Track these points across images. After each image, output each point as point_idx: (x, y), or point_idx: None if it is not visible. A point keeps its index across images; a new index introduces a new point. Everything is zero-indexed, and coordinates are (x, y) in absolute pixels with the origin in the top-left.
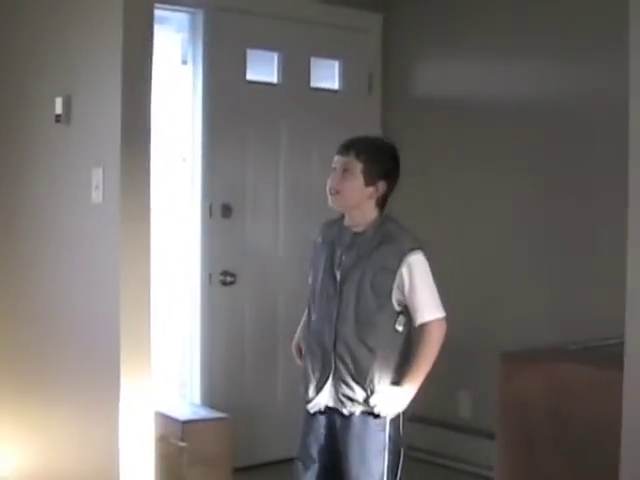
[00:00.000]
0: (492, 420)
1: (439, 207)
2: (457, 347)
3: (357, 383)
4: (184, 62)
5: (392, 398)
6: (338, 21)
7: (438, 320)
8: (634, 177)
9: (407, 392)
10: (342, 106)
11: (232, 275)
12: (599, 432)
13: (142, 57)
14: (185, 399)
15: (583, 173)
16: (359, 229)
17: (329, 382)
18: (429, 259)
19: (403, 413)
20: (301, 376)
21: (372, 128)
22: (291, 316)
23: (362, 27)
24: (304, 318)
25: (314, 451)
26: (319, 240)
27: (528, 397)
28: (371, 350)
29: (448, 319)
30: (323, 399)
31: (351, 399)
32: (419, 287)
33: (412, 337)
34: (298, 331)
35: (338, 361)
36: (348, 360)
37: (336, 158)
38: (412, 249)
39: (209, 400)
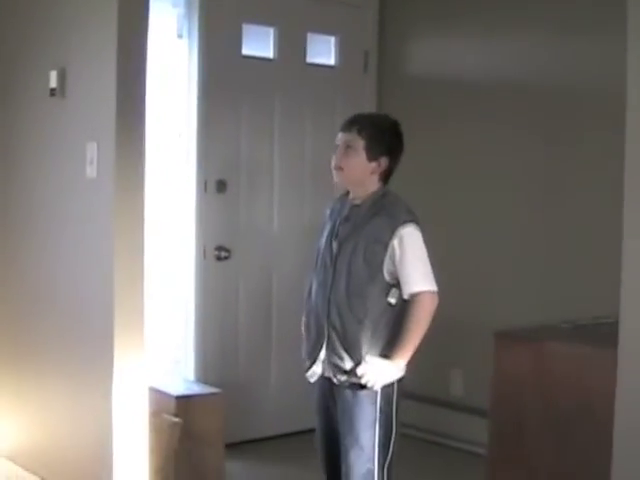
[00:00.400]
0: (484, 398)
1: (433, 186)
2: (450, 325)
3: (347, 353)
4: (180, 36)
5: (379, 369)
6: None
7: (428, 292)
8: (630, 157)
9: (395, 364)
10: (338, 82)
11: (227, 250)
12: (589, 409)
13: (137, 30)
14: (178, 375)
15: (581, 153)
16: (358, 201)
17: (323, 351)
18: (424, 233)
19: (398, 387)
20: (302, 346)
21: (367, 105)
22: (285, 292)
23: (359, 3)
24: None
25: (321, 419)
26: (327, 213)
27: (520, 375)
28: (360, 321)
29: (441, 298)
30: (318, 368)
31: (340, 368)
32: (409, 258)
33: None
34: (304, 313)
35: (331, 330)
36: (339, 330)
37: (339, 135)
38: (405, 221)
39: (202, 376)
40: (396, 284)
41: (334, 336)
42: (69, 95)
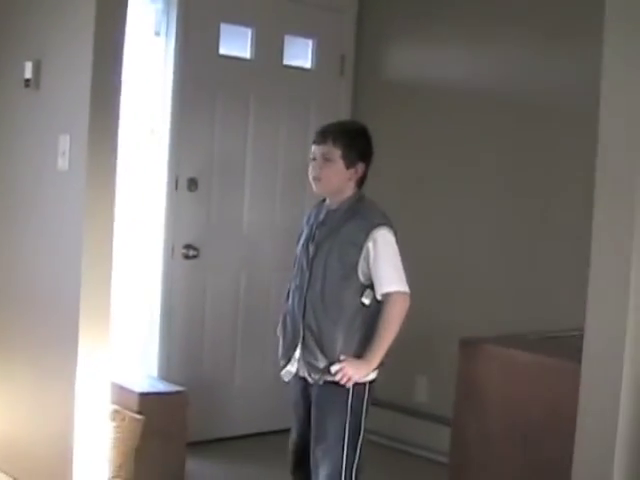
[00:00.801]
0: (448, 406)
1: (404, 191)
2: (415, 332)
3: (321, 352)
4: (157, 33)
5: (352, 367)
6: (314, 0)
7: (401, 293)
8: (601, 169)
9: (367, 362)
10: (313, 85)
11: (195, 249)
12: (552, 420)
13: (115, 25)
14: (142, 372)
15: (553, 162)
16: (334, 206)
17: (297, 351)
18: (397, 236)
19: (370, 388)
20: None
21: (343, 109)
22: (253, 292)
23: (337, 7)
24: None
25: (295, 417)
26: (304, 220)
27: (485, 384)
28: (335, 321)
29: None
30: (293, 367)
31: (315, 367)
32: (383, 260)
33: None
34: (281, 316)
35: (306, 330)
36: (315, 329)
37: (314, 148)
38: (379, 224)
39: (166, 373)
40: (370, 285)
41: (309, 336)
42: (43, 87)
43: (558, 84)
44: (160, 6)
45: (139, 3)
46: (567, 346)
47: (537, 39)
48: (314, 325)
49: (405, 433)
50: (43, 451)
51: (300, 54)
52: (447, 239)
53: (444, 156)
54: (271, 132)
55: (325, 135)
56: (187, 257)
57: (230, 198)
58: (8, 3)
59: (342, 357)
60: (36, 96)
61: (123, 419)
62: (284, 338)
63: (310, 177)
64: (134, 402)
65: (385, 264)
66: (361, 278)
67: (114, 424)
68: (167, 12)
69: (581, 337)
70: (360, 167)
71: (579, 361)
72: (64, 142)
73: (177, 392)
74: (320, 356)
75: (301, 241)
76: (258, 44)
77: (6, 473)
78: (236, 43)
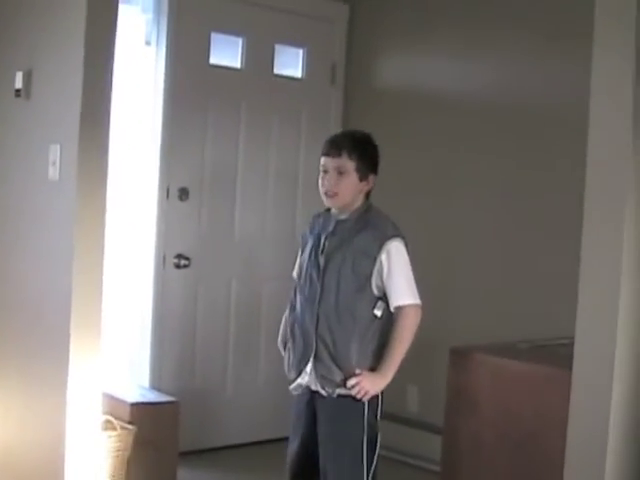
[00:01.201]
0: (439, 415)
1: (394, 200)
2: None
3: (336, 365)
4: (148, 43)
5: (369, 381)
6: (304, 9)
7: (413, 306)
8: (591, 180)
9: (383, 375)
10: (304, 95)
11: (186, 259)
12: (543, 428)
13: (105, 35)
14: (134, 382)
15: (544, 171)
16: (343, 217)
17: (310, 364)
18: (408, 247)
19: (382, 401)
20: (285, 359)
21: (334, 118)
22: (244, 301)
23: (328, 16)
24: (287, 312)
25: (299, 432)
26: (307, 231)
27: (475, 393)
28: (350, 333)
29: None
30: (304, 380)
31: (330, 380)
32: (396, 272)
33: (391, 324)
34: (281, 327)
35: (319, 343)
36: (328, 342)
37: (325, 160)
38: (392, 236)
39: (158, 383)
40: (382, 297)
41: (322, 349)
42: (34, 96)
43: (551, 91)
44: (151, 16)
45: (130, 13)
46: (557, 354)
47: (529, 46)
48: (328, 337)
49: (396, 442)
50: (34, 461)
51: (291, 63)
52: (437, 249)
53: (435, 164)
54: (262, 141)
55: (339, 147)
56: (178, 267)
57: (221, 207)
58: None
59: (358, 371)
60: (27, 106)
61: (114, 429)
62: (293, 350)
63: (322, 190)
64: (125, 412)
65: (398, 277)
66: (374, 290)
67: (106, 434)
68: (158, 22)
69: (571, 345)
70: (371, 178)
71: (569, 369)
72: (55, 152)
73: (168, 402)
74: (335, 369)
75: (306, 252)
76: (249, 53)
77: None
78: (227, 52)
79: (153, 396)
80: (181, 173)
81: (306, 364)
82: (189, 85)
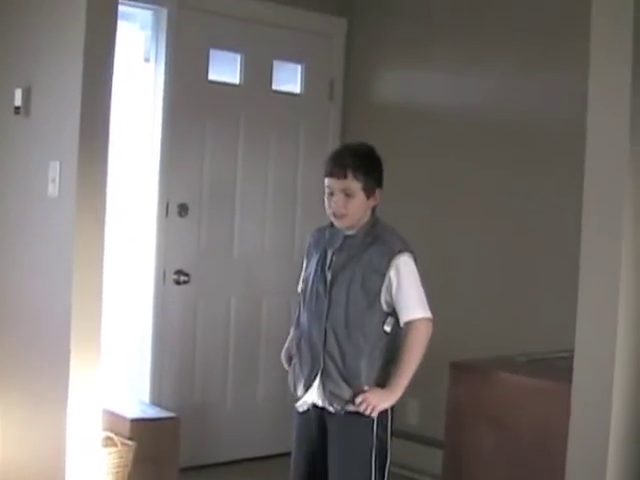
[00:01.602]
0: (440, 428)
1: (393, 214)
2: None
3: (345, 381)
4: (147, 60)
5: (378, 397)
6: (302, 25)
7: (424, 320)
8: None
9: (392, 391)
10: (303, 110)
11: (186, 275)
12: (543, 442)
13: (104, 52)
14: (134, 397)
15: (542, 185)
16: (351, 232)
17: (317, 380)
18: (417, 261)
19: (392, 416)
20: (290, 375)
21: (332, 134)
22: (243, 317)
23: (326, 32)
24: (293, 327)
25: (304, 450)
26: (311, 246)
27: (476, 407)
28: (359, 349)
29: None
30: (311, 397)
31: (338, 397)
32: (405, 287)
33: (399, 339)
34: (287, 341)
35: (327, 359)
36: (337, 358)
37: (330, 182)
38: (400, 251)
39: (158, 399)
40: (392, 312)
41: (331, 365)
42: (33, 114)
43: (548, 104)
44: (150, 32)
45: (129, 29)
46: (556, 368)
47: (525, 61)
48: (337, 353)
49: (397, 456)
50: (35, 477)
51: (289, 79)
52: (435, 262)
53: (434, 179)
54: (261, 157)
55: (344, 167)
56: (178, 283)
57: (221, 223)
58: None
59: (366, 387)
60: (26, 123)
61: (115, 445)
62: (300, 365)
63: (329, 211)
64: (125, 428)
65: (408, 291)
66: (384, 305)
67: (106, 451)
68: (157, 38)
69: (570, 358)
70: (378, 193)
71: (569, 382)
72: (54, 169)
73: (169, 418)
74: (344, 385)
75: (312, 266)
76: (247, 69)
77: None
78: (225, 69)
79: (153, 412)
80: (180, 189)
81: (314, 380)
82: (188, 101)
